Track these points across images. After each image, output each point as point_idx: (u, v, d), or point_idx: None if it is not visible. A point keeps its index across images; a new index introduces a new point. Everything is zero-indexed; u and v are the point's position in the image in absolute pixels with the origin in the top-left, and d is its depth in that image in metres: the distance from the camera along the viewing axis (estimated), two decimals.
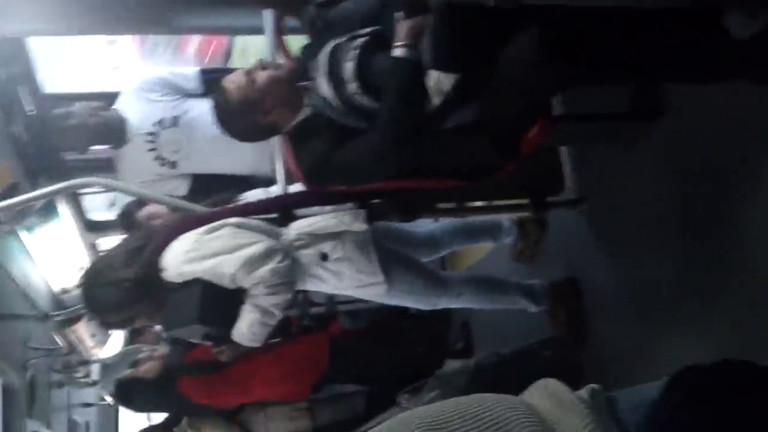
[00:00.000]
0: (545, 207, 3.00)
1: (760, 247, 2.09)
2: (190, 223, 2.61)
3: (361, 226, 2.63)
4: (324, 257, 2.61)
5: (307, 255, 2.62)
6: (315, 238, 2.62)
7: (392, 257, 2.73)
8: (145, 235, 2.69)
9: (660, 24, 1.93)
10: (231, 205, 2.69)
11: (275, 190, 2.83)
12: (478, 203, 3.10)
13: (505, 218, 3.30)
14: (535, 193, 2.93)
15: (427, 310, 3.06)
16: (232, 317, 2.57)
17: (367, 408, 3.43)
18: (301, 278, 2.64)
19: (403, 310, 3.48)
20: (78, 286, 2.69)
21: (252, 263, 2.48)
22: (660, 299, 2.52)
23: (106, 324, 3.07)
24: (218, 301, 2.53)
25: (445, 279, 2.96)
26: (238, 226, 2.57)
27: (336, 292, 2.94)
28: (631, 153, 2.63)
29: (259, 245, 2.52)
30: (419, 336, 3.78)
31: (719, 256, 2.25)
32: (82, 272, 2.70)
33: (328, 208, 2.70)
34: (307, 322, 3.60)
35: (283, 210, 2.69)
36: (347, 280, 2.67)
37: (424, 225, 3.17)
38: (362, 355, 3.52)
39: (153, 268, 2.56)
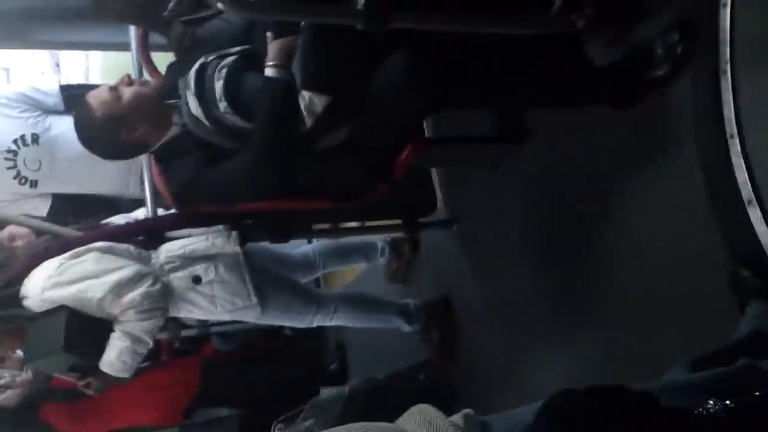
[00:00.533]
0: (418, 228, 3.06)
1: (624, 262, 2.18)
2: (54, 249, 2.47)
3: (233, 248, 2.58)
4: (197, 280, 2.54)
5: (178, 278, 2.53)
6: (186, 260, 2.55)
7: (266, 277, 2.70)
8: (2, 259, 2.54)
9: (525, 51, 2.00)
10: (96, 229, 2.57)
11: (140, 214, 2.74)
12: (352, 224, 3.12)
13: (378, 238, 3.33)
14: (407, 214, 2.98)
15: (301, 330, 3.05)
16: (99, 347, 2.45)
17: (241, 430, 3.38)
18: (173, 304, 2.56)
19: (277, 331, 3.45)
20: None
21: (121, 287, 2.39)
22: (531, 317, 2.58)
23: None
24: (85, 330, 2.41)
25: (319, 296, 2.95)
26: (105, 250, 2.47)
27: (210, 317, 2.87)
28: (498, 174, 2.70)
29: (127, 269, 2.43)
30: (293, 357, 3.75)
31: (586, 272, 2.33)
32: None
33: (198, 230, 2.64)
34: (178, 346, 3.51)
35: (152, 233, 2.60)
36: (221, 303, 2.60)
37: (298, 246, 3.15)
38: (235, 378, 3.46)
39: (12, 298, 2.42)
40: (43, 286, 2.40)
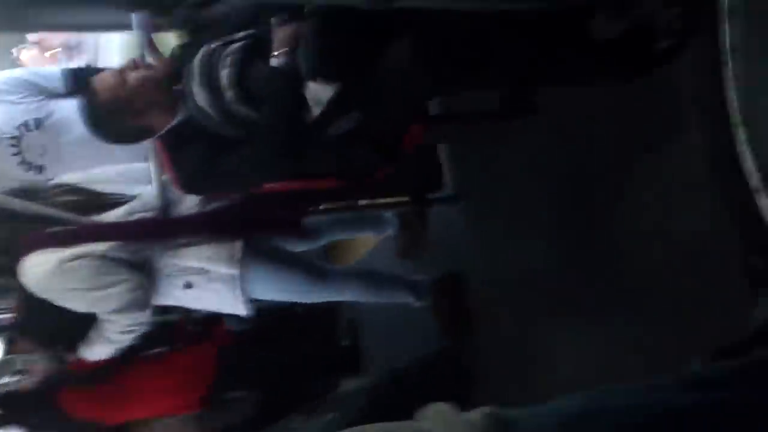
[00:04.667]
0: (425, 204, 3.05)
1: (635, 240, 2.17)
2: (55, 238, 2.50)
3: (233, 270, 2.59)
4: (188, 286, 2.57)
5: (170, 282, 2.58)
6: (183, 269, 2.57)
7: (264, 261, 2.71)
8: (10, 228, 2.58)
9: (529, 29, 1.98)
10: (98, 225, 2.58)
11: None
12: (360, 201, 3.12)
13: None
14: (414, 190, 2.98)
15: (312, 307, 3.07)
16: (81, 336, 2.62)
17: (258, 412, 3.41)
18: (159, 298, 2.62)
19: (288, 308, 3.46)
20: None
21: (110, 306, 2.48)
22: (542, 295, 2.58)
23: None
24: (74, 321, 2.56)
25: (327, 272, 2.95)
26: (103, 258, 2.48)
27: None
28: (506, 150, 2.69)
29: (120, 289, 2.47)
30: (305, 334, 3.77)
31: (597, 249, 2.32)
32: None
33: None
34: (192, 327, 3.53)
35: (151, 237, 2.60)
36: (205, 305, 2.69)
37: None
38: (250, 362, 3.49)
39: (10, 269, 2.49)
40: (38, 279, 2.47)
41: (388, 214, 3.33)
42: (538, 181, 2.58)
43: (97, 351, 2.67)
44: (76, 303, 2.50)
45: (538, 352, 2.60)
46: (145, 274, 2.54)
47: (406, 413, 1.19)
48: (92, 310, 2.51)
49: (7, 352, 4.67)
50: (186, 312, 3.43)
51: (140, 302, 2.52)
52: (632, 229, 2.19)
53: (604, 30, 2.04)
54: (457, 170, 2.98)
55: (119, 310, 2.49)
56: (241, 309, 2.68)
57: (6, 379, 3.65)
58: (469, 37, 1.97)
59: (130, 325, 2.53)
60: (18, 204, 2.65)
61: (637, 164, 2.16)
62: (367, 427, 1.16)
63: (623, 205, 2.21)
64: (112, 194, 2.97)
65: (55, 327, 2.56)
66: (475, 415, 1.16)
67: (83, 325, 2.59)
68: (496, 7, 1.91)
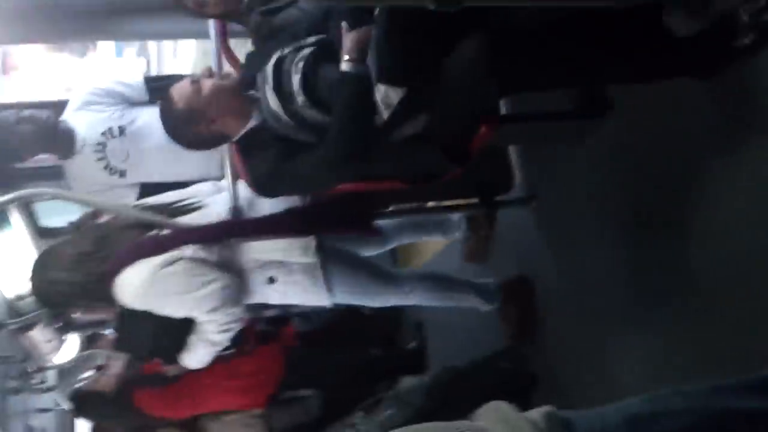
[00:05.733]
0: (495, 206, 3.04)
1: (712, 244, 2.12)
2: (147, 248, 2.57)
3: (309, 259, 2.64)
4: (271, 280, 2.63)
5: (255, 279, 2.64)
6: (265, 264, 2.63)
7: (340, 262, 2.75)
8: (96, 240, 2.63)
9: (603, 25, 1.96)
10: (186, 229, 2.64)
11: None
12: (429, 204, 3.13)
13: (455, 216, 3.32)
14: (484, 192, 2.97)
15: (380, 309, 3.09)
16: (181, 342, 2.65)
17: (323, 411, 3.46)
18: (248, 297, 2.68)
19: (356, 310, 3.50)
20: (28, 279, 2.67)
21: (207, 306, 2.53)
22: (613, 299, 2.54)
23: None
24: (168, 332, 2.60)
25: (395, 276, 2.97)
26: (192, 260, 2.55)
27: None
28: (578, 151, 2.66)
29: (214, 287, 2.53)
30: (372, 337, 3.80)
31: (671, 253, 2.28)
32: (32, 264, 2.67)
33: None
34: (262, 327, 3.60)
35: (239, 237, 2.66)
36: (292, 298, 2.74)
37: None
38: (317, 364, 3.54)
39: (101, 292, 2.55)
40: (134, 294, 2.53)
41: (456, 217, 3.33)
42: (610, 183, 2.55)
43: (199, 355, 2.70)
44: (175, 308, 2.56)
45: (603, 357, 2.56)
46: (232, 272, 2.60)
47: (463, 412, 1.20)
48: (191, 313, 2.56)
49: (88, 347, 4.87)
50: (255, 314, 3.52)
51: (233, 298, 2.57)
52: (704, 230, 2.14)
53: (684, 26, 2.01)
54: (528, 172, 2.97)
55: (216, 309, 2.54)
56: (324, 299, 2.72)
57: (86, 373, 3.79)
58: (540, 36, 1.96)
59: (227, 323, 2.58)
60: (109, 205, 2.73)
61: (712, 164, 2.11)
62: (425, 425, 1.17)
63: (696, 205, 2.17)
64: (187, 200, 3.05)
65: (152, 341, 2.62)
66: (536, 414, 1.16)
67: (179, 334, 2.64)
68: (568, 4, 1.90)
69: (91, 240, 2.62)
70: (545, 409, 1.19)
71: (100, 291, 2.56)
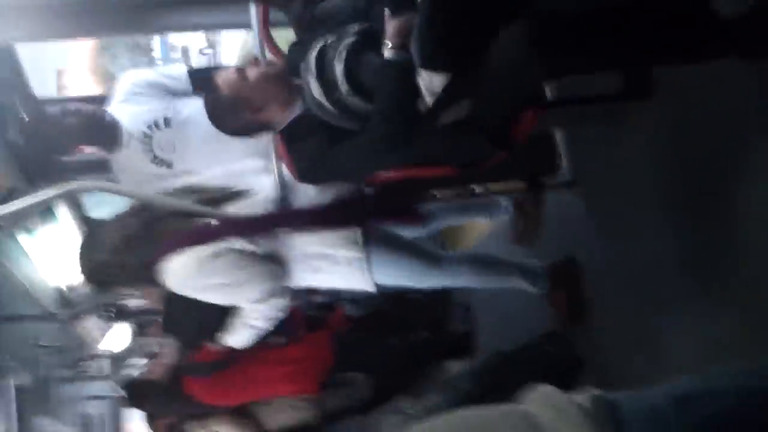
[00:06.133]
0: (541, 188, 3.02)
1: (762, 226, 2.08)
2: (194, 238, 2.59)
3: (356, 253, 2.66)
4: (317, 270, 2.66)
5: (301, 268, 2.66)
6: (311, 255, 2.65)
7: (383, 247, 2.75)
8: (143, 223, 2.65)
9: (649, 7, 1.93)
10: (233, 220, 2.66)
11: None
12: (476, 188, 3.12)
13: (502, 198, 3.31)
14: (530, 175, 2.95)
15: (427, 293, 3.09)
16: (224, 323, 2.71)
17: (372, 394, 3.47)
18: (293, 282, 2.71)
19: (404, 294, 3.50)
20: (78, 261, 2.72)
21: (253, 297, 2.57)
22: (660, 282, 2.52)
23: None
24: (214, 314, 2.67)
25: (441, 258, 2.96)
26: (239, 251, 2.57)
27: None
28: (624, 133, 2.63)
29: (260, 280, 2.57)
30: (421, 320, 3.80)
31: (720, 236, 2.24)
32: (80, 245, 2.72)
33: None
34: (310, 312, 3.63)
35: (285, 228, 2.68)
36: (337, 285, 2.77)
37: None
38: (366, 347, 3.55)
39: (147, 278, 2.59)
40: (181, 282, 2.57)
41: (504, 200, 3.31)
42: (656, 165, 2.51)
43: (240, 337, 2.76)
44: (220, 297, 2.60)
45: (651, 341, 2.54)
46: (277, 263, 2.63)
47: (511, 396, 1.19)
48: (236, 302, 2.61)
49: (139, 335, 4.96)
50: (304, 300, 3.54)
51: (278, 290, 2.62)
52: (754, 213, 2.10)
53: (730, 6, 1.96)
54: (574, 154, 2.94)
55: (261, 300, 2.59)
56: (369, 286, 2.74)
57: (137, 361, 3.86)
58: (584, 19, 1.93)
59: (271, 312, 2.64)
60: (156, 198, 2.77)
61: (758, 147, 2.07)
62: (471, 409, 1.17)
63: (742, 190, 2.13)
64: (233, 189, 3.08)
65: (198, 323, 2.67)
66: (582, 397, 1.15)
67: (223, 316, 2.68)
68: None
69: (139, 224, 2.64)
70: (591, 391, 1.18)
71: (147, 274, 2.60)
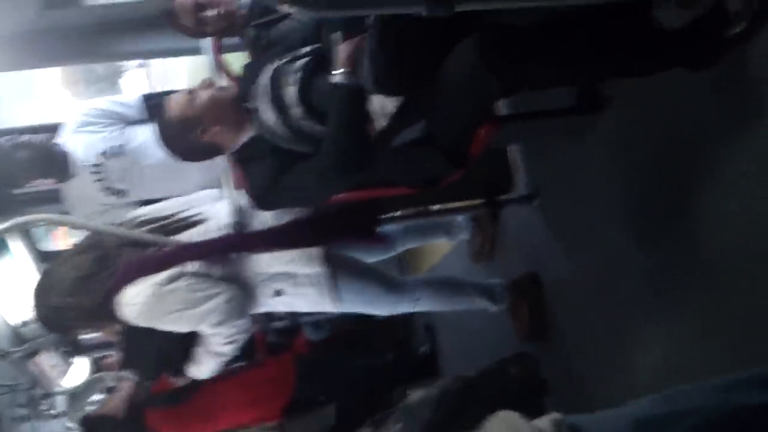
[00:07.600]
0: (498, 205, 3.03)
1: (722, 234, 2.10)
2: (148, 266, 2.53)
3: (316, 269, 2.63)
4: (279, 293, 2.62)
5: (262, 291, 2.63)
6: (271, 276, 2.62)
7: (347, 271, 2.73)
8: (96, 260, 2.59)
9: (595, 23, 1.95)
10: (187, 245, 2.61)
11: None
12: (433, 207, 3.12)
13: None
14: (486, 192, 2.96)
15: (389, 316, 3.08)
16: (187, 354, 2.66)
17: (339, 419, 3.44)
18: (255, 307, 2.68)
19: (366, 317, 3.49)
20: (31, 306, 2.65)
21: (212, 320, 2.52)
22: (622, 294, 2.52)
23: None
24: (173, 345, 2.62)
25: (401, 284, 2.95)
26: (195, 275, 2.53)
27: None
28: (581, 147, 2.65)
29: (218, 301, 2.52)
30: (383, 342, 3.79)
31: (680, 244, 2.25)
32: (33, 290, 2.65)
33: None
34: (271, 339, 3.59)
35: (242, 251, 2.65)
36: (300, 307, 2.76)
37: None
38: (329, 369, 3.52)
39: (106, 307, 2.52)
40: (137, 313, 2.51)
41: (461, 219, 3.32)
42: (614, 177, 2.53)
43: (206, 367, 2.71)
44: (180, 324, 2.54)
45: (616, 356, 2.54)
46: (237, 285, 2.59)
47: (473, 422, 1.19)
48: (195, 328, 2.55)
49: (96, 370, 4.86)
50: (264, 325, 3.50)
51: (238, 310, 2.56)
52: (714, 221, 2.12)
53: (674, 17, 2.00)
54: (530, 169, 2.96)
55: (221, 322, 2.53)
56: (332, 306, 2.71)
57: (95, 397, 3.77)
58: (533, 36, 1.95)
59: (233, 334, 2.58)
60: (107, 229, 2.71)
61: (713, 152, 2.10)
62: None
63: (701, 196, 2.16)
64: (186, 216, 3.04)
65: (157, 355, 2.61)
66: (543, 422, 1.15)
67: (184, 347, 2.63)
68: (558, 3, 1.89)
69: (90, 262, 2.57)
70: (553, 415, 1.18)
71: (103, 311, 2.54)
